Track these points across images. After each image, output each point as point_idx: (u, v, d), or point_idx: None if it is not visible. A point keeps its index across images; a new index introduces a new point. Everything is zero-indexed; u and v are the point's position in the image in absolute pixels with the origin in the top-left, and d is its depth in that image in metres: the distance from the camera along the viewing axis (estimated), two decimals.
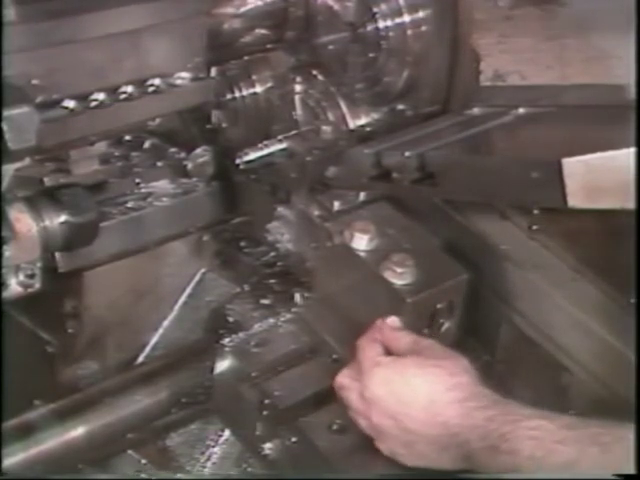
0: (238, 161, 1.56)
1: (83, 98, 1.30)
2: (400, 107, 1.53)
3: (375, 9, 1.47)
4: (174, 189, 1.54)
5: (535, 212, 1.35)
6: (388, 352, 1.26)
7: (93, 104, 1.31)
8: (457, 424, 1.13)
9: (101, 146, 1.51)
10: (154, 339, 1.76)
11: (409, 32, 1.46)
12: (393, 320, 1.31)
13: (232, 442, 1.69)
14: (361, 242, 1.40)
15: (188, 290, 1.77)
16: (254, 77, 1.61)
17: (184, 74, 1.39)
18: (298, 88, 1.62)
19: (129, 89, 1.34)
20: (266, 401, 1.39)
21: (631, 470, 0.96)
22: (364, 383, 1.22)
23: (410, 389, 1.18)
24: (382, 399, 1.20)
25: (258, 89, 1.62)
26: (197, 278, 1.76)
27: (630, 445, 0.99)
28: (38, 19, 1.21)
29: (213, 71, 1.48)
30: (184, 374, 1.51)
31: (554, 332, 1.32)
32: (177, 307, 1.77)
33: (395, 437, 1.20)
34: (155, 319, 1.76)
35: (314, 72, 1.60)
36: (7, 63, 1.15)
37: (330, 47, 1.56)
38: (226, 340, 1.48)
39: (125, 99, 1.34)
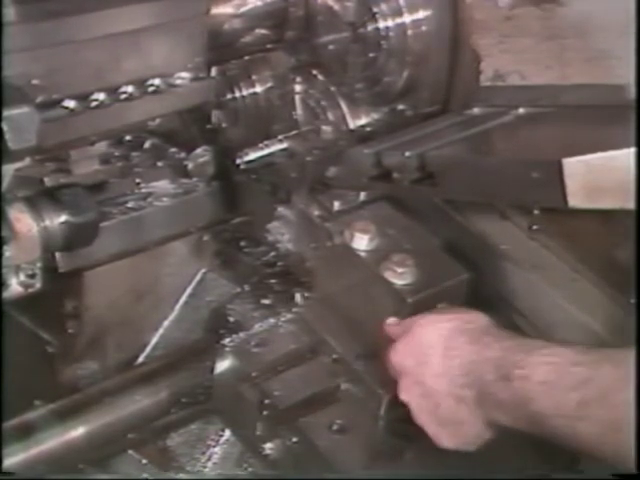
0: (238, 161, 1.56)
1: (83, 98, 1.30)
2: (400, 107, 1.53)
3: (375, 9, 1.47)
4: (174, 189, 1.54)
5: (535, 212, 1.35)
6: None
7: (93, 104, 1.31)
8: (473, 360, 1.14)
9: (101, 146, 1.51)
10: (154, 339, 1.76)
11: (409, 32, 1.46)
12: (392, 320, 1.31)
13: (232, 442, 1.69)
14: (361, 242, 1.40)
15: (188, 290, 1.77)
16: (254, 77, 1.61)
17: (184, 74, 1.39)
18: (298, 88, 1.62)
19: (129, 89, 1.34)
20: (266, 401, 1.39)
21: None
22: (391, 362, 1.23)
23: (428, 346, 1.19)
24: (406, 368, 1.21)
25: (258, 89, 1.62)
26: (197, 278, 1.76)
27: None
28: (38, 19, 1.21)
29: (213, 71, 1.48)
30: (184, 374, 1.51)
31: (554, 332, 1.32)
32: (177, 307, 1.77)
33: (421, 407, 1.20)
34: (155, 319, 1.76)
35: (314, 72, 1.60)
36: (7, 63, 1.15)
37: (330, 47, 1.56)
38: (226, 340, 1.48)
39: (125, 99, 1.34)
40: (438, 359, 1.18)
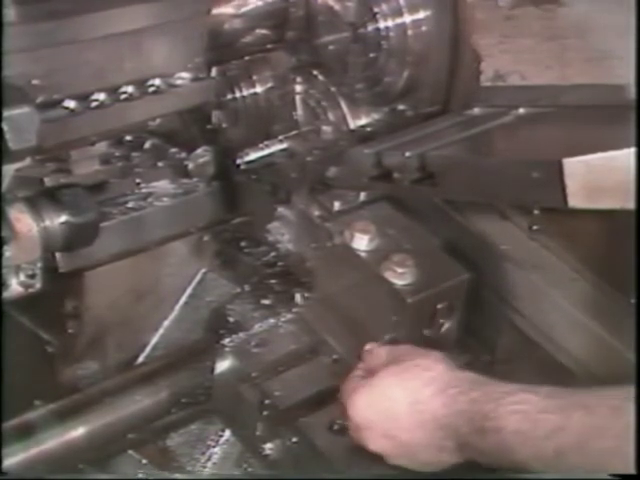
0: (239, 161, 1.56)
1: (84, 98, 1.30)
2: (400, 107, 1.53)
3: (376, 9, 1.47)
4: (175, 189, 1.54)
5: (535, 212, 1.35)
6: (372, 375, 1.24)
7: (94, 104, 1.31)
8: (444, 414, 1.13)
9: (101, 146, 1.51)
10: (154, 339, 1.76)
11: (409, 32, 1.46)
12: (370, 344, 1.31)
13: (232, 442, 1.69)
14: (361, 242, 1.40)
15: (188, 290, 1.77)
16: (254, 77, 1.61)
17: (184, 74, 1.39)
18: (298, 88, 1.62)
19: (129, 89, 1.34)
20: (266, 401, 1.39)
21: (630, 437, 0.95)
22: (349, 415, 1.22)
23: (391, 400, 1.18)
24: (370, 422, 1.20)
25: (258, 89, 1.62)
26: (197, 278, 1.77)
27: (614, 404, 0.98)
28: (38, 19, 1.21)
29: (213, 71, 1.48)
30: (184, 374, 1.51)
31: (554, 332, 1.32)
32: (177, 307, 1.77)
33: (397, 454, 1.19)
34: (155, 319, 1.76)
35: (315, 72, 1.60)
36: (7, 63, 1.15)
37: (331, 47, 1.56)
38: (226, 340, 1.48)
39: (126, 99, 1.34)
40: (406, 415, 1.16)
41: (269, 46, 1.59)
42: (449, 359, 1.21)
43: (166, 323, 1.76)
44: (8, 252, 1.23)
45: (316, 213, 1.50)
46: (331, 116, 1.59)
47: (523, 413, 1.05)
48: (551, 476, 1.07)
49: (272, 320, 1.52)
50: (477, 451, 1.10)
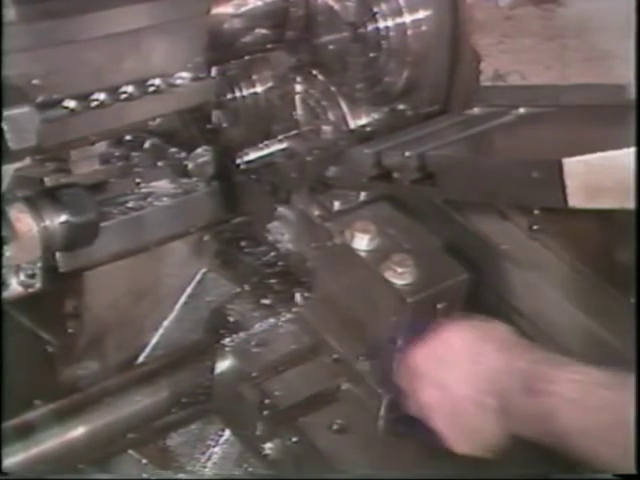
0: (238, 161, 1.56)
1: (83, 98, 1.30)
2: (400, 107, 1.53)
3: (375, 9, 1.47)
4: (174, 189, 1.55)
5: (535, 212, 1.35)
6: None
7: (94, 104, 1.31)
8: (499, 369, 1.13)
9: (101, 146, 1.51)
10: (154, 339, 1.77)
11: (409, 32, 1.46)
12: None
13: (232, 442, 1.69)
14: (361, 242, 1.39)
15: (188, 290, 1.78)
16: (254, 77, 1.61)
17: (184, 74, 1.39)
18: (298, 88, 1.62)
19: (129, 89, 1.34)
20: (266, 401, 1.39)
21: None
22: (410, 364, 1.22)
23: (452, 350, 1.19)
24: (426, 369, 1.20)
25: (258, 89, 1.62)
26: (197, 278, 1.77)
27: None
28: (38, 19, 1.21)
29: (213, 71, 1.48)
30: (184, 374, 1.51)
31: (554, 332, 1.32)
32: (177, 307, 1.77)
33: (441, 409, 1.19)
34: (155, 319, 1.76)
35: (314, 72, 1.60)
36: (7, 63, 1.15)
37: (330, 47, 1.56)
38: (226, 340, 1.48)
39: (125, 99, 1.34)
40: (464, 364, 1.17)
41: (269, 46, 1.59)
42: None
43: (166, 323, 1.77)
44: (8, 252, 1.23)
45: (316, 213, 1.50)
46: (331, 116, 1.59)
47: (580, 383, 1.06)
48: (551, 476, 1.07)
49: (272, 320, 1.52)
50: (519, 414, 1.10)
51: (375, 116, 1.57)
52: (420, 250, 1.39)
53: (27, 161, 1.27)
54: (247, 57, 1.59)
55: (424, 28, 1.45)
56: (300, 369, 1.45)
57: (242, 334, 1.49)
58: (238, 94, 1.61)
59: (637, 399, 0.98)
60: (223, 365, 1.48)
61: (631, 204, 1.13)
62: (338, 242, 1.42)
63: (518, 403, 1.10)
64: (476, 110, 1.45)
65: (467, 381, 1.16)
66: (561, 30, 1.44)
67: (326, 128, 1.57)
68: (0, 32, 1.14)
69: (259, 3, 1.52)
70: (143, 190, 1.52)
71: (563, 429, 1.06)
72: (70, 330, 1.65)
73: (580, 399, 1.05)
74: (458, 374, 1.17)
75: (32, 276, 1.29)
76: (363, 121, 1.58)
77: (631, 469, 0.99)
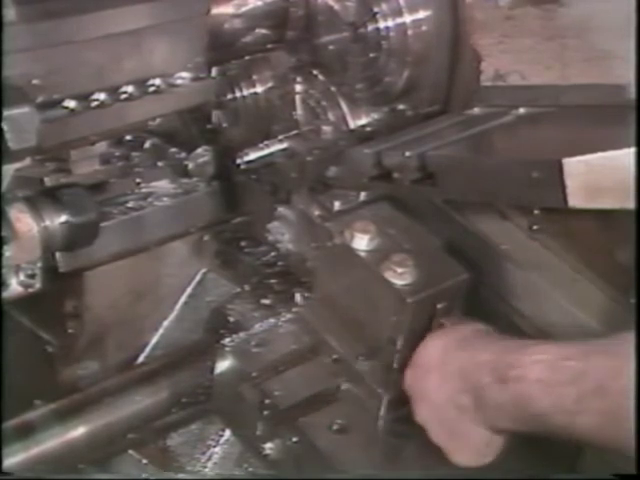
0: (238, 161, 1.56)
1: (84, 98, 1.30)
2: (400, 107, 1.52)
3: (376, 9, 1.47)
4: (175, 189, 1.55)
5: (535, 212, 1.34)
6: None
7: (94, 104, 1.31)
8: (466, 366, 1.16)
9: (101, 146, 1.51)
10: (154, 339, 1.77)
11: (410, 32, 1.46)
12: None
13: (233, 442, 1.70)
14: (361, 242, 1.39)
15: (188, 290, 1.78)
16: (255, 77, 1.61)
17: (185, 74, 1.39)
18: (298, 88, 1.62)
19: (130, 89, 1.34)
20: (266, 401, 1.39)
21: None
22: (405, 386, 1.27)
23: (427, 362, 1.23)
24: (413, 390, 1.24)
25: (259, 89, 1.62)
26: (197, 278, 1.77)
27: (631, 346, 0.98)
28: (38, 19, 1.21)
29: (214, 71, 1.48)
30: (184, 374, 1.51)
31: (554, 332, 1.32)
32: (177, 307, 1.77)
33: (431, 422, 1.22)
34: (155, 319, 1.76)
35: (314, 72, 1.60)
36: (7, 63, 1.15)
37: (331, 47, 1.56)
38: (226, 340, 1.48)
39: (126, 99, 1.34)
40: (436, 372, 1.20)
41: (269, 46, 1.59)
42: (480, 324, 1.26)
43: (166, 323, 1.77)
44: (8, 252, 1.24)
45: (316, 213, 1.50)
46: (331, 116, 1.59)
47: (545, 362, 1.07)
48: (551, 476, 1.07)
49: (272, 320, 1.52)
50: (495, 406, 1.12)
51: (375, 116, 1.57)
52: (420, 250, 1.39)
53: (27, 161, 1.27)
54: (247, 57, 1.59)
55: (424, 28, 1.45)
56: (300, 369, 1.45)
57: (242, 334, 1.49)
58: (238, 94, 1.61)
59: (637, 397, 0.98)
60: (223, 365, 1.48)
61: (631, 204, 1.13)
62: (338, 242, 1.42)
63: (491, 395, 1.12)
64: (476, 110, 1.45)
65: (442, 386, 1.19)
66: (561, 30, 1.44)
67: (326, 128, 1.57)
68: (0, 32, 1.14)
69: (259, 3, 1.52)
70: (143, 190, 1.52)
71: (537, 411, 1.06)
72: (70, 330, 1.65)
73: (549, 377, 1.05)
74: (434, 383, 1.20)
75: (32, 276, 1.29)
76: (363, 121, 1.58)
77: (611, 439, 0.99)
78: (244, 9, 1.51)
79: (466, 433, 1.18)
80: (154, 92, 1.36)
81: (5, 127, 1.12)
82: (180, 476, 1.74)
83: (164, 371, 1.51)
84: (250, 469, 1.67)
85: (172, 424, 1.56)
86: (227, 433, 1.72)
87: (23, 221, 1.26)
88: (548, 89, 1.39)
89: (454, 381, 1.16)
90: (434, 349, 1.23)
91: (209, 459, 1.75)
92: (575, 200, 1.15)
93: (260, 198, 1.55)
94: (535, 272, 1.34)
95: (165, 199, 1.52)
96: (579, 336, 1.28)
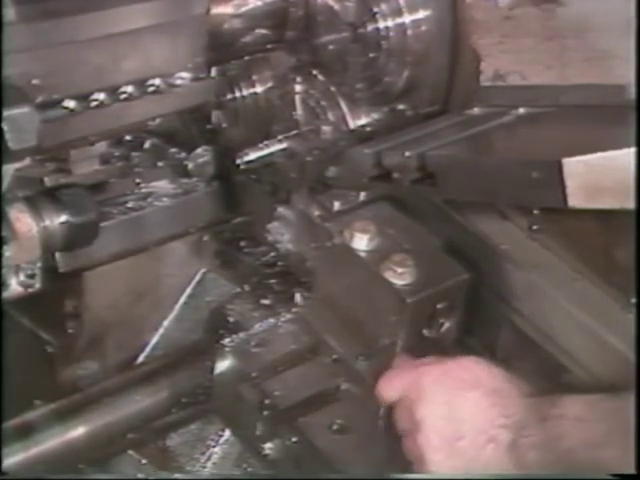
0: (238, 161, 1.56)
1: (83, 98, 1.30)
2: (400, 107, 1.52)
3: (375, 9, 1.47)
4: (174, 189, 1.55)
5: (535, 212, 1.34)
6: None
7: (93, 104, 1.31)
8: (514, 404, 1.14)
9: (101, 146, 1.51)
10: (154, 339, 1.77)
11: (409, 32, 1.46)
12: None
13: (232, 442, 1.70)
14: (361, 242, 1.39)
15: (188, 290, 1.78)
16: (254, 77, 1.61)
17: (184, 74, 1.39)
18: (298, 88, 1.62)
19: (129, 89, 1.34)
20: (266, 401, 1.39)
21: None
22: (410, 375, 1.22)
23: (471, 378, 1.18)
24: (434, 389, 1.19)
25: (258, 89, 1.62)
26: (197, 278, 1.77)
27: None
28: (38, 19, 1.21)
29: (213, 71, 1.48)
30: (184, 374, 1.51)
31: (554, 332, 1.32)
32: (177, 307, 1.77)
33: (443, 429, 1.16)
34: (155, 319, 1.76)
35: (314, 72, 1.60)
36: (7, 63, 1.15)
37: (330, 47, 1.56)
38: (226, 340, 1.48)
39: (125, 99, 1.34)
40: (479, 394, 1.16)
41: (269, 46, 1.59)
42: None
43: (166, 323, 1.77)
44: (8, 252, 1.24)
45: (316, 213, 1.50)
46: (331, 116, 1.59)
47: (586, 400, 1.09)
48: (551, 476, 1.07)
49: (272, 320, 1.52)
50: (530, 444, 1.10)
51: (375, 116, 1.57)
52: (420, 250, 1.39)
53: (27, 161, 1.26)
54: (247, 57, 1.59)
55: (424, 28, 1.45)
56: (300, 369, 1.45)
57: (242, 334, 1.49)
58: (238, 94, 1.61)
59: (637, 400, 0.98)
60: (223, 365, 1.48)
61: (631, 204, 1.13)
62: (338, 242, 1.42)
63: (530, 433, 1.10)
64: (476, 110, 1.45)
65: (482, 412, 1.15)
66: (561, 30, 1.43)
67: (326, 128, 1.57)
68: (0, 32, 1.14)
69: (259, 3, 1.52)
70: (143, 190, 1.52)
71: (568, 447, 1.06)
72: (70, 330, 1.66)
73: (585, 414, 1.06)
74: (472, 402, 1.16)
75: (32, 276, 1.29)
76: (363, 121, 1.58)
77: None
78: (244, 9, 1.51)
79: (477, 460, 1.15)
80: (154, 92, 1.36)
81: (5, 127, 1.12)
82: (180, 476, 1.74)
83: (164, 371, 1.51)
84: (249, 469, 1.67)
85: (172, 424, 1.56)
86: (227, 433, 1.72)
87: (23, 221, 1.26)
88: (548, 89, 1.39)
89: (497, 412, 1.13)
90: (479, 371, 1.18)
91: (208, 459, 1.75)
92: (575, 200, 1.15)
93: (260, 198, 1.55)
94: (535, 272, 1.34)
95: (165, 199, 1.52)
96: (579, 336, 1.28)
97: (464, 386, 1.18)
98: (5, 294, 1.28)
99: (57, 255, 1.36)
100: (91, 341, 1.69)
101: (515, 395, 1.15)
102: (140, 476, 1.68)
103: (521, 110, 1.41)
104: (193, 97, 1.42)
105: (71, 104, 1.28)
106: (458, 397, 1.17)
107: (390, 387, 1.25)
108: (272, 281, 1.56)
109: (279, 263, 1.57)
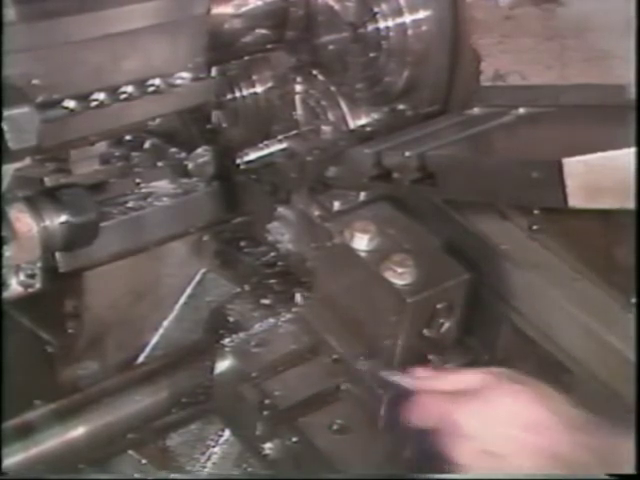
0: (238, 161, 1.56)
1: (83, 98, 1.30)
2: (400, 107, 1.52)
3: (376, 9, 1.47)
4: (174, 189, 1.55)
5: (535, 212, 1.35)
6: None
7: (93, 104, 1.31)
8: (564, 448, 1.06)
9: (101, 146, 1.51)
10: (154, 339, 1.77)
11: (409, 32, 1.46)
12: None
13: (232, 442, 1.70)
14: (361, 242, 1.40)
15: (188, 290, 1.78)
16: (254, 77, 1.61)
17: (184, 74, 1.39)
18: (298, 88, 1.62)
19: (129, 89, 1.34)
20: (266, 401, 1.39)
21: None
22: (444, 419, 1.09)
23: (507, 414, 1.07)
24: (476, 434, 1.07)
25: (258, 89, 1.62)
26: (197, 278, 1.77)
27: None
28: (38, 19, 1.21)
29: (213, 71, 1.48)
30: (184, 374, 1.51)
31: (554, 332, 1.32)
32: (177, 307, 1.77)
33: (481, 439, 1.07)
34: (155, 319, 1.76)
35: (314, 72, 1.60)
36: (7, 63, 1.15)
37: (330, 47, 1.56)
38: (226, 340, 1.48)
39: (125, 99, 1.34)
40: (523, 433, 1.06)
41: (269, 46, 1.59)
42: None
43: (166, 323, 1.77)
44: (8, 252, 1.24)
45: (316, 213, 1.50)
46: (331, 116, 1.59)
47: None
48: (551, 476, 1.07)
49: (272, 320, 1.52)
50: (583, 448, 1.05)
51: (375, 116, 1.57)
52: (420, 250, 1.39)
53: (27, 161, 1.26)
54: (247, 57, 1.59)
55: (424, 28, 1.45)
56: (300, 369, 1.45)
57: (242, 334, 1.49)
58: (238, 94, 1.61)
59: (637, 400, 0.98)
60: (223, 365, 1.48)
61: (631, 204, 1.13)
62: (338, 242, 1.42)
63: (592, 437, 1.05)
64: (476, 110, 1.45)
65: (529, 456, 1.06)
66: (561, 30, 1.44)
67: (326, 128, 1.57)
68: (0, 32, 1.14)
69: (259, 3, 1.52)
70: (143, 190, 1.52)
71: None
72: (70, 330, 1.66)
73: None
74: (516, 445, 1.06)
75: (32, 276, 1.29)
76: (363, 121, 1.58)
77: None
78: (244, 9, 1.51)
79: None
80: (154, 92, 1.36)
81: (5, 127, 1.12)
82: (180, 476, 1.74)
83: (164, 371, 1.51)
84: (249, 469, 1.67)
85: (172, 424, 1.56)
86: (226, 433, 1.72)
87: (23, 221, 1.26)
88: (548, 89, 1.39)
89: (546, 455, 1.05)
90: (518, 404, 1.08)
91: (208, 459, 1.75)
92: (575, 200, 1.15)
93: (260, 198, 1.55)
94: (535, 272, 1.34)
95: (165, 199, 1.52)
96: (579, 336, 1.28)
97: (505, 421, 1.07)
98: (5, 294, 1.28)
99: (57, 255, 1.36)
100: (91, 341, 1.69)
101: (570, 433, 1.05)
102: (140, 476, 1.68)
103: (521, 110, 1.41)
104: (193, 97, 1.43)
105: (71, 104, 1.28)
106: (500, 437, 1.07)
107: (423, 414, 1.12)
108: (272, 281, 1.56)
109: (279, 263, 1.57)
